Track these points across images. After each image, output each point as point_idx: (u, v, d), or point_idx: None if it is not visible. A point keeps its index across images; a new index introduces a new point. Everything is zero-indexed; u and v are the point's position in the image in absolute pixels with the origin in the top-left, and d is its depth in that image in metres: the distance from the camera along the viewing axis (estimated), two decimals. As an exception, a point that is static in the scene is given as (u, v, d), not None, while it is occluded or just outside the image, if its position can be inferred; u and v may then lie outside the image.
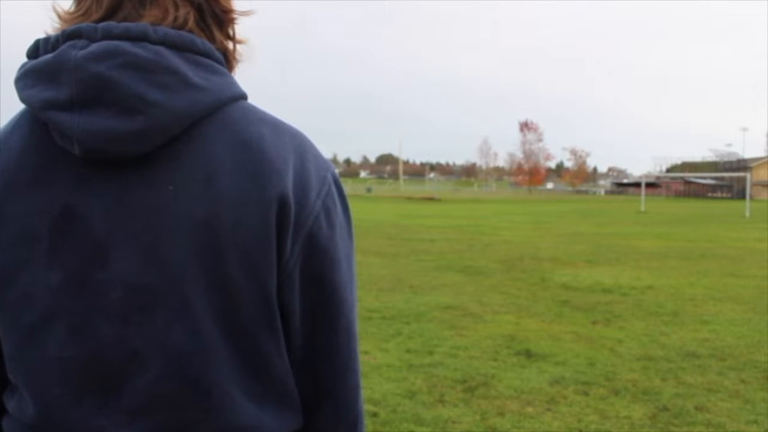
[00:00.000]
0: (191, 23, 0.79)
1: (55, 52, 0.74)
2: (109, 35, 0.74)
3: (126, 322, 0.74)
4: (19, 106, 0.81)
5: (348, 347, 0.86)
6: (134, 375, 0.75)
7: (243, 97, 0.83)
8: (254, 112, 0.82)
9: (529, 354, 5.50)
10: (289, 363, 0.84)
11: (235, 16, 0.85)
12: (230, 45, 0.87)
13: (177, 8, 0.78)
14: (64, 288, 0.75)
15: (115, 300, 0.74)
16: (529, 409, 4.22)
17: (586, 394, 4.53)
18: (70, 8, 0.81)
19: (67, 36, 0.75)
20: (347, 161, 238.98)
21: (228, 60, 0.87)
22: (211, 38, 0.83)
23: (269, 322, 0.79)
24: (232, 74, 0.88)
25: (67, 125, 0.73)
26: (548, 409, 4.23)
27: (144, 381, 0.75)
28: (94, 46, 0.73)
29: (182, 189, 0.74)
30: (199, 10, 0.81)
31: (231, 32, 0.87)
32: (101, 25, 0.75)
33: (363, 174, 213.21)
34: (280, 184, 0.77)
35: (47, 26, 0.81)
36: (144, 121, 0.72)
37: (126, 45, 0.73)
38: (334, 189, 0.84)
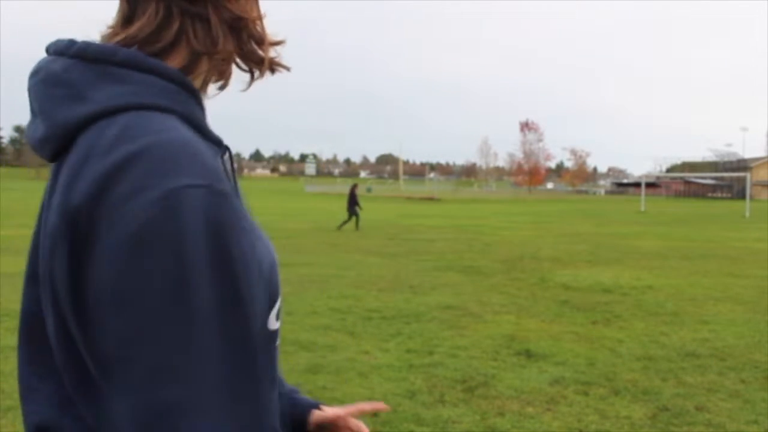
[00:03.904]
0: (167, 34, 0.81)
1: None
2: (48, 50, 0.84)
3: (35, 298, 0.84)
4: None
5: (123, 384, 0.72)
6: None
7: (140, 107, 0.78)
8: (126, 126, 0.76)
9: (529, 354, 5.50)
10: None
11: (247, 22, 0.85)
12: (255, 48, 0.87)
13: (153, 21, 0.81)
14: (29, 261, 0.87)
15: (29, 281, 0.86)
16: (529, 409, 4.22)
17: (586, 394, 4.53)
18: None
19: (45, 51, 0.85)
20: (347, 161, 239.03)
21: (202, 64, 0.86)
22: (213, 47, 0.83)
23: (62, 336, 0.79)
24: (223, 77, 0.89)
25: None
26: (548, 409, 4.23)
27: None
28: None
29: (53, 196, 0.82)
30: (202, 19, 0.82)
31: (256, 37, 0.87)
32: (53, 41, 0.84)
33: (363, 174, 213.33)
34: (79, 198, 0.73)
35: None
36: (43, 131, 0.81)
37: (46, 60, 0.82)
38: (158, 213, 0.69)
